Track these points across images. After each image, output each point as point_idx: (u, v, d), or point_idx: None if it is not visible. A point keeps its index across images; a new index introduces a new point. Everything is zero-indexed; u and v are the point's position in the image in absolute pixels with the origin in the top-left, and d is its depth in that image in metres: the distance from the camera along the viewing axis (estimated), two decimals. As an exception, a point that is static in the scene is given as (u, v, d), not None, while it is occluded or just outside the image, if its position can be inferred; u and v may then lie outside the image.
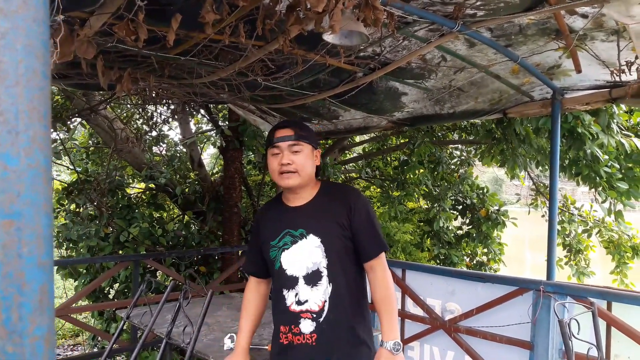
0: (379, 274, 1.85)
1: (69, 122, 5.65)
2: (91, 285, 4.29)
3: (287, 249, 1.88)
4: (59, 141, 5.19)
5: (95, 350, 5.41)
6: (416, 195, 7.01)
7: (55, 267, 5.59)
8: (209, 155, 8.64)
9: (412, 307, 3.88)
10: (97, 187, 5.13)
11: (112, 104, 5.47)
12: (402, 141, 6.72)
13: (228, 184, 5.36)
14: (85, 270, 5.19)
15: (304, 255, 1.85)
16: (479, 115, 3.54)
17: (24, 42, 0.30)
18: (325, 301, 1.82)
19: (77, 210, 5.39)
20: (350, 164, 7.69)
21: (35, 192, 0.30)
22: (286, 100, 3.40)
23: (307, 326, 1.83)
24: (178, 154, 6.33)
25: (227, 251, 5.23)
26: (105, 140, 5.47)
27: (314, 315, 1.83)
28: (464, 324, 3.41)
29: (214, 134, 6.15)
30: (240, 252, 5.36)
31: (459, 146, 6.95)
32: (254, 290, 2.09)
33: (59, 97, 5.25)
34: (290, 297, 1.86)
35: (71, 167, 5.72)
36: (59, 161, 5.35)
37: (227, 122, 5.38)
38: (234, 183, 5.35)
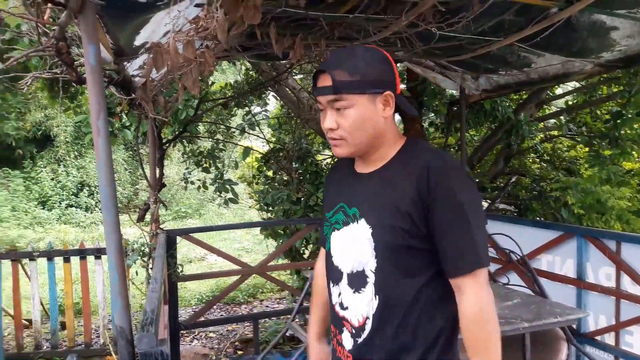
0: (470, 300, 1.19)
1: (263, 96, 6.11)
2: (284, 246, 4.61)
3: (338, 229, 1.37)
4: (250, 114, 5.65)
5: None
6: (635, 154, 5.91)
7: (259, 228, 6.18)
8: (398, 120, 8.55)
9: (629, 286, 3.35)
10: (286, 155, 5.47)
11: (297, 74, 5.72)
12: (615, 90, 5.69)
13: (410, 148, 5.20)
14: (282, 232, 5.63)
15: (351, 245, 1.32)
16: None
17: None
18: (368, 318, 1.27)
19: (273, 176, 5.86)
20: (551, 120, 6.83)
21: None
22: (466, 50, 3.08)
23: (347, 340, 1.34)
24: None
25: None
26: (293, 110, 5.77)
27: (353, 331, 1.32)
28: (700, 309, 2.76)
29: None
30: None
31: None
32: (322, 267, 1.54)
33: (253, 72, 5.68)
34: (334, 293, 1.39)
35: (267, 137, 6.20)
36: (253, 132, 5.82)
37: (406, 83, 5.20)
38: (416, 146, 5.17)
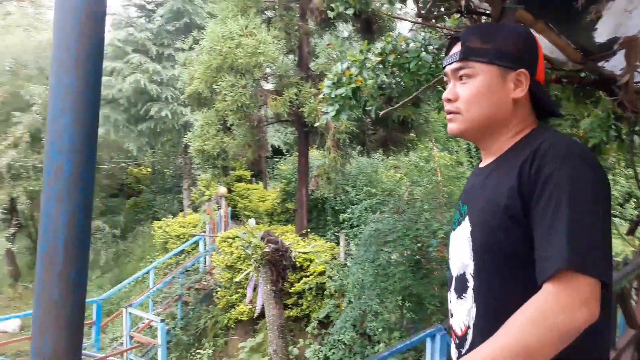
0: (537, 297, 0.87)
1: None
2: None
3: (454, 230, 1.17)
4: None
5: None
6: None
7: None
8: None
9: None
10: None
11: None
12: None
13: None
14: None
15: (457, 247, 1.14)
16: None
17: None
18: (469, 327, 1.07)
19: None
20: None
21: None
22: None
23: (453, 350, 1.16)
24: None
25: None
26: None
27: (457, 342, 1.13)
28: None
29: None
30: None
31: None
32: None
33: None
34: (449, 300, 1.19)
35: None
36: None
37: None
38: None
